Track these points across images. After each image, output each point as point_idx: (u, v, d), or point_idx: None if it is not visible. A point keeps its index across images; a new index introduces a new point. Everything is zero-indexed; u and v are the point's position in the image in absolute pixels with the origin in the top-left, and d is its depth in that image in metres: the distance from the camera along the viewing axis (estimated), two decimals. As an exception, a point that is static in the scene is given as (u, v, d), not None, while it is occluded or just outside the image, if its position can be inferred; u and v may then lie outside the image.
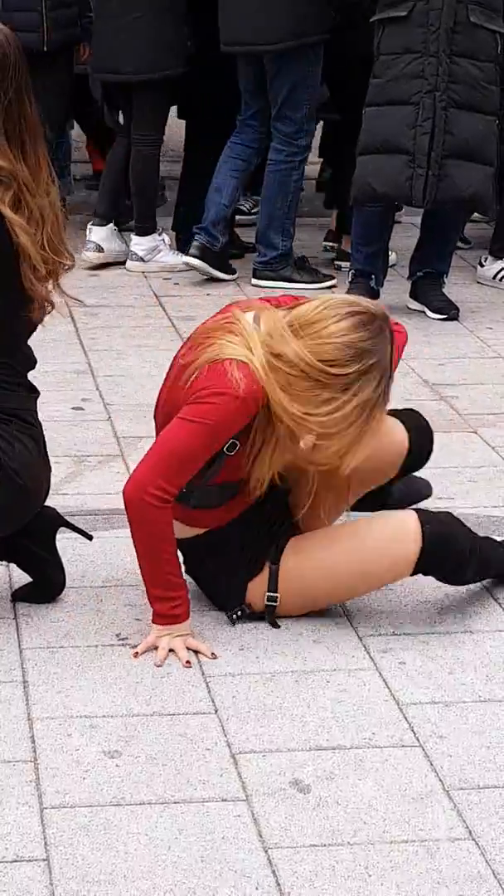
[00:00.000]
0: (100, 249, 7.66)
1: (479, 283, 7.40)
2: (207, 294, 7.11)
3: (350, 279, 6.89)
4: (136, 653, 3.69)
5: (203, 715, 3.46)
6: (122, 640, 3.78)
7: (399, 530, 3.80)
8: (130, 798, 3.14)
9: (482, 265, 7.46)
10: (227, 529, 3.85)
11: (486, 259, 7.46)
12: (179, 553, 3.77)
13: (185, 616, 3.72)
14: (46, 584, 3.97)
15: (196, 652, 3.70)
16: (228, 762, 3.28)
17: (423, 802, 3.15)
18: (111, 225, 7.69)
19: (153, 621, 3.72)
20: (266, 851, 2.98)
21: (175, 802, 3.13)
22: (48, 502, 3.99)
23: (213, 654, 3.69)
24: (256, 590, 3.85)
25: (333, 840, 3.02)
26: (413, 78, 6.43)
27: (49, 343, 6.14)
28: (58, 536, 3.99)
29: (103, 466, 4.93)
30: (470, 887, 2.88)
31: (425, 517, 3.82)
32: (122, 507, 4.55)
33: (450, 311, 6.77)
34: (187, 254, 7.33)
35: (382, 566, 3.81)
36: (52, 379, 5.75)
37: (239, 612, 3.86)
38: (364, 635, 3.84)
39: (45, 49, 7.10)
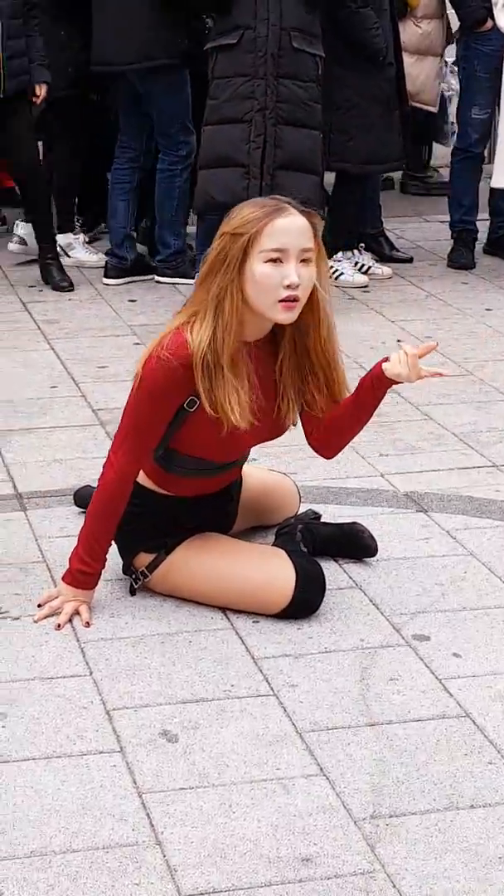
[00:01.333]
0: (23, 243, 7.73)
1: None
2: (69, 299, 7.07)
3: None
4: (40, 612, 3.70)
5: (79, 677, 3.44)
6: (3, 613, 3.75)
7: (274, 585, 3.70)
8: (16, 755, 3.11)
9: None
10: (169, 503, 3.78)
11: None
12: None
13: (89, 584, 3.71)
14: None
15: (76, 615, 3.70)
16: (103, 718, 3.27)
17: (279, 745, 3.16)
18: None
19: (63, 578, 3.72)
20: (140, 796, 2.97)
21: (57, 757, 3.11)
22: None
23: (87, 623, 3.67)
24: (140, 561, 3.83)
25: (200, 783, 3.02)
26: (245, 98, 6.45)
27: None
28: None
29: (-20, 457, 4.89)
30: (322, 818, 2.90)
31: (300, 569, 3.71)
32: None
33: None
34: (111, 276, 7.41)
35: (249, 605, 3.74)
36: None
37: (136, 580, 3.84)
38: (221, 598, 3.84)
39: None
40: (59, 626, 3.65)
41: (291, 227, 3.47)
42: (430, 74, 7.84)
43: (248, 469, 4.03)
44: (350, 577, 3.96)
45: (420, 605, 3.82)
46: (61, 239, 7.71)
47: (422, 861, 2.77)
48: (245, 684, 3.42)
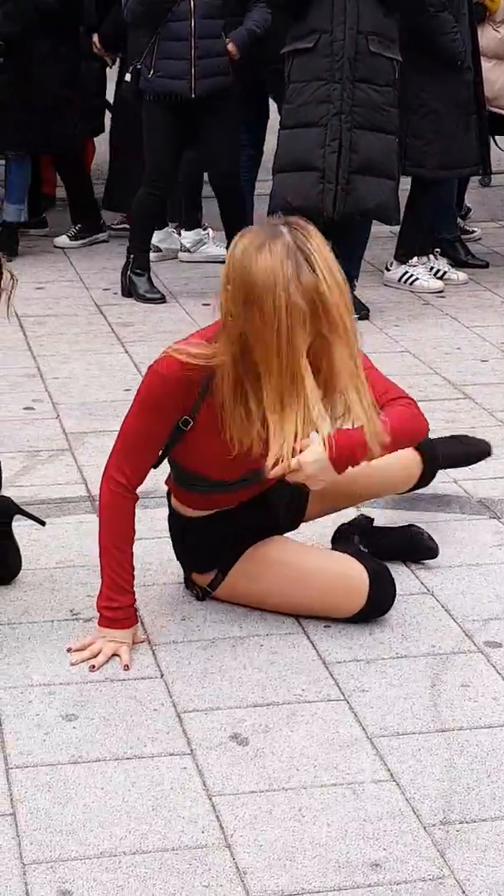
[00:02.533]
0: (157, 250, 7.88)
1: (385, 285, 7.43)
2: (143, 303, 7.11)
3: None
4: (70, 648, 3.57)
5: (150, 679, 3.47)
6: (76, 615, 3.78)
7: (349, 586, 3.66)
8: (87, 756, 3.14)
9: (388, 269, 7.49)
10: (203, 523, 3.74)
11: (391, 264, 7.49)
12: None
13: (124, 623, 3.58)
14: (5, 567, 3.95)
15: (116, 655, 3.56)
16: (174, 720, 3.29)
17: (349, 750, 3.17)
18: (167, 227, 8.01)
19: (98, 623, 3.60)
20: (210, 799, 2.99)
21: (127, 758, 3.13)
22: (6, 493, 3.98)
23: (126, 666, 3.50)
24: (200, 579, 3.82)
25: (270, 786, 3.03)
26: (321, 103, 6.45)
27: (1, 351, 6.14)
28: (14, 524, 3.98)
29: (53, 460, 4.92)
30: (392, 823, 2.90)
31: (371, 569, 3.68)
32: (72, 495, 4.58)
33: (361, 311, 6.79)
34: None
35: (321, 609, 3.71)
36: (4, 382, 5.75)
37: (198, 595, 3.84)
38: (292, 603, 3.85)
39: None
40: (93, 667, 3.48)
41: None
42: (508, 79, 7.80)
43: None
44: (422, 583, 3.96)
45: (492, 612, 3.81)
46: (189, 236, 7.91)
47: (492, 868, 2.76)
48: (315, 689, 3.43)
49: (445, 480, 4.72)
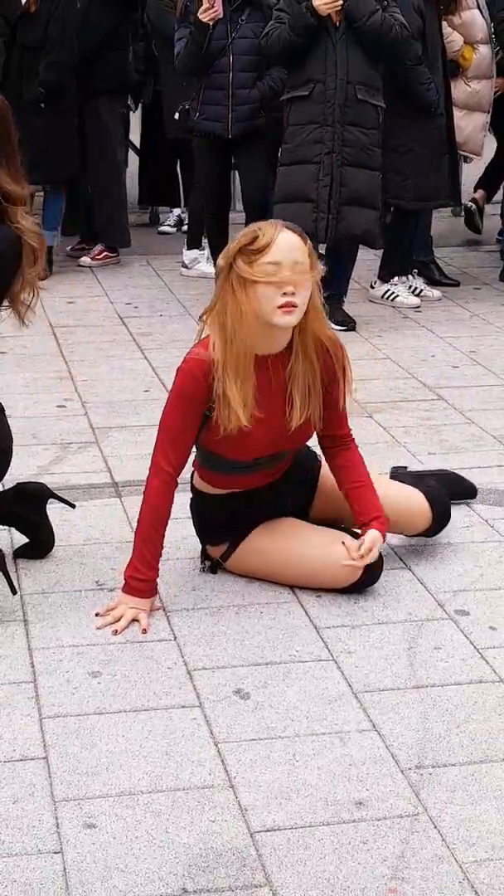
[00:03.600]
0: (185, 266, 8.00)
1: (370, 301, 7.40)
2: (160, 314, 7.08)
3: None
4: (97, 613, 3.55)
5: (165, 642, 3.45)
6: (101, 585, 3.76)
7: (338, 568, 3.63)
8: (110, 708, 3.13)
9: (372, 287, 7.46)
10: (220, 500, 3.74)
11: (375, 283, 7.46)
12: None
13: (146, 593, 3.55)
14: (40, 544, 3.94)
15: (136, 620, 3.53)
16: (185, 678, 3.27)
17: (337, 703, 3.16)
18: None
19: (122, 589, 3.59)
20: (216, 745, 2.98)
21: (144, 710, 3.12)
22: (41, 479, 3.95)
23: (144, 629, 3.48)
24: (214, 551, 3.80)
25: (268, 735, 3.02)
26: (315, 143, 6.42)
27: (37, 356, 6.13)
28: (48, 506, 3.96)
29: (82, 451, 4.90)
30: (373, 767, 2.89)
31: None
32: (98, 482, 4.56)
33: (349, 323, 6.78)
34: None
35: (318, 581, 3.70)
36: (40, 384, 5.73)
37: (206, 566, 3.83)
38: (288, 576, 3.83)
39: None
40: (115, 631, 3.47)
41: (283, 243, 3.41)
42: (476, 127, 7.76)
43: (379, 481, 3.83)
44: (401, 559, 3.94)
45: (461, 584, 3.80)
46: (188, 254, 7.96)
47: (460, 806, 2.75)
48: (308, 650, 3.41)
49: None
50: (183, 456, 3.59)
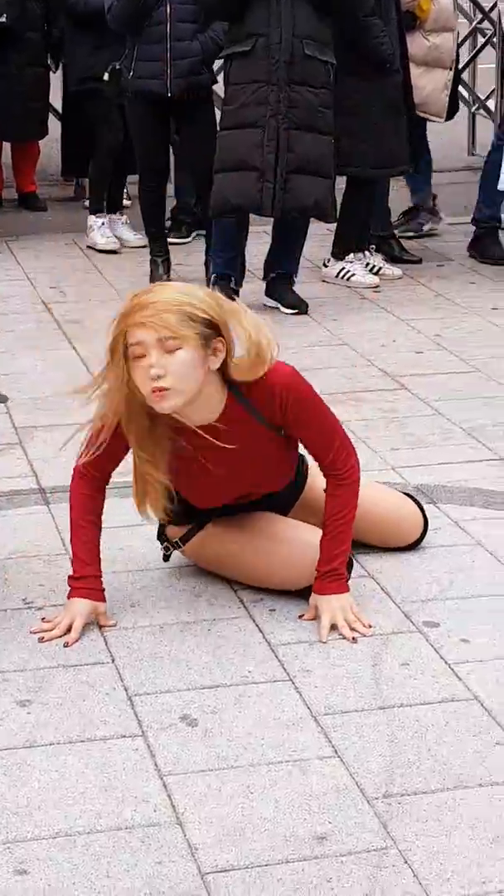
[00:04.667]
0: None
1: (324, 281, 7.44)
2: (89, 300, 7.09)
3: (212, 281, 6.89)
4: (43, 618, 3.64)
5: (102, 665, 3.46)
6: (28, 603, 3.77)
7: (299, 564, 3.69)
8: (41, 740, 3.14)
9: (326, 266, 7.50)
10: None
11: (329, 261, 7.50)
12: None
13: (84, 593, 3.60)
14: None
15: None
16: (126, 704, 3.29)
17: (295, 728, 3.18)
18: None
19: (68, 596, 3.65)
20: (161, 778, 2.99)
21: (81, 741, 3.13)
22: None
23: (66, 643, 3.53)
24: (173, 531, 3.83)
25: (219, 765, 3.04)
26: (258, 104, 6.45)
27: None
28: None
29: (4, 454, 4.90)
30: (336, 797, 2.92)
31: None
32: (23, 488, 4.56)
33: (300, 306, 6.81)
34: None
35: (279, 578, 3.76)
36: (-45, 380, 5.72)
37: (166, 549, 3.86)
38: (238, 588, 3.85)
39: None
40: (41, 639, 3.54)
41: (146, 320, 3.37)
42: (437, 86, 7.81)
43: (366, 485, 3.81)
44: (363, 567, 3.98)
45: (430, 593, 3.84)
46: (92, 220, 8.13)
47: (432, 838, 2.78)
48: (262, 670, 3.44)
49: (384, 468, 4.74)
50: (108, 470, 3.68)
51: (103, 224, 8.12)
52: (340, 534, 3.66)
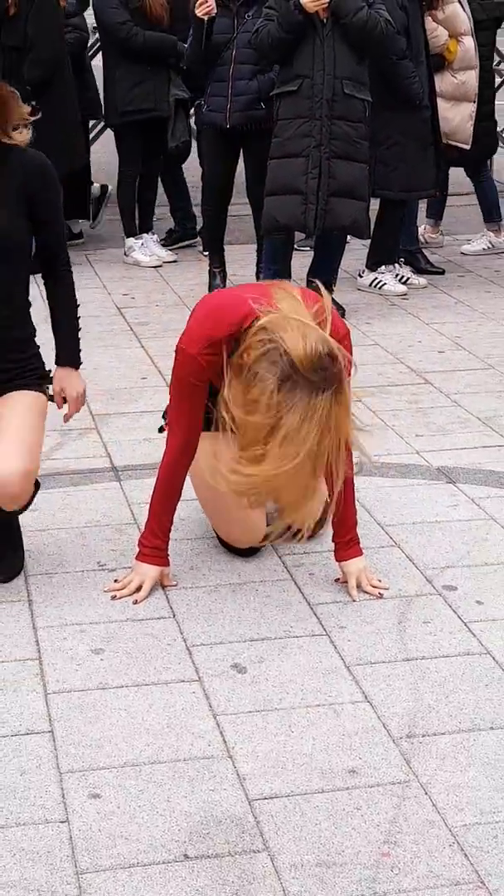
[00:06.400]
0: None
1: (358, 289, 7.41)
2: (156, 305, 7.09)
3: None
4: (116, 579, 3.62)
5: (164, 619, 3.47)
6: (102, 566, 3.78)
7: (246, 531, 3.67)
8: (112, 683, 3.14)
9: (361, 276, 7.47)
10: None
11: (363, 272, 7.47)
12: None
13: (153, 560, 3.58)
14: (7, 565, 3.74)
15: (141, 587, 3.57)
16: (184, 653, 3.29)
17: (331, 676, 3.18)
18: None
19: (136, 557, 3.62)
20: (215, 717, 2.99)
21: (146, 685, 3.14)
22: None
23: (135, 601, 3.52)
24: None
25: (265, 707, 3.04)
26: (303, 137, 6.42)
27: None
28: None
29: (82, 437, 4.91)
30: (366, 736, 2.91)
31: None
32: (98, 467, 4.57)
33: (338, 311, 6.76)
34: None
35: (226, 528, 3.74)
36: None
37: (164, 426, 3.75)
38: (282, 554, 3.85)
39: None
40: (113, 597, 3.53)
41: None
42: (463, 117, 7.76)
43: None
44: (390, 537, 3.96)
45: (449, 561, 3.82)
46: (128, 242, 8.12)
47: (449, 773, 2.77)
48: (302, 626, 3.43)
49: (410, 452, 4.72)
50: (197, 432, 3.49)
51: (143, 244, 8.09)
52: (348, 507, 3.56)
